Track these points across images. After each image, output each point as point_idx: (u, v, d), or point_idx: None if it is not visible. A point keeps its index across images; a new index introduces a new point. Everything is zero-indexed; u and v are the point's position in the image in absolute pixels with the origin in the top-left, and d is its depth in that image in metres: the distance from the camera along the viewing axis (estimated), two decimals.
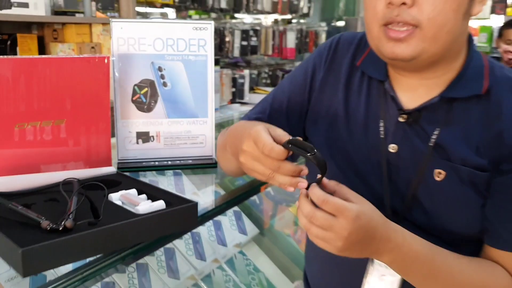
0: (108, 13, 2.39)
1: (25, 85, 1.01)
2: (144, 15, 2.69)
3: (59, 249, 0.74)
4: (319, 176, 0.72)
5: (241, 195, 1.22)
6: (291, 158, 0.74)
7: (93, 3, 2.33)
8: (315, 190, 0.71)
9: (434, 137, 0.84)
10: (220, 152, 1.02)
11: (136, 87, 1.22)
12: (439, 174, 0.84)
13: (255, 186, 1.26)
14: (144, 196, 0.95)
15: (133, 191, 0.96)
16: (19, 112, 1.02)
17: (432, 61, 0.80)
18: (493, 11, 4.19)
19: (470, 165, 0.82)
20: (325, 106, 0.96)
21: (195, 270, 1.36)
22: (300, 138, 0.71)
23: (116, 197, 0.93)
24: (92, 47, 2.38)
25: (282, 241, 1.71)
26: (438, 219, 0.86)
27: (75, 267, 0.81)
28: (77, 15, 2.30)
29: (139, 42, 1.21)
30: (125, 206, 0.90)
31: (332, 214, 0.69)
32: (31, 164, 1.05)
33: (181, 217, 0.89)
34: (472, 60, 0.85)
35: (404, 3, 0.75)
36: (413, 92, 0.86)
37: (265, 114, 1.01)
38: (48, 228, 0.77)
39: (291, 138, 0.72)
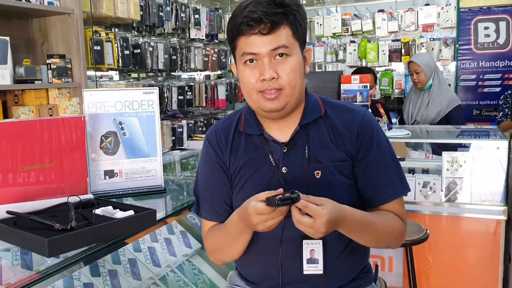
0: (63, 79, 2.80)
1: (25, 140, 1.43)
2: (93, 78, 3.11)
3: (69, 240, 1.16)
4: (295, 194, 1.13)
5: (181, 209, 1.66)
6: None
7: (50, 71, 2.75)
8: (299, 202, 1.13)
9: (306, 151, 1.32)
10: (213, 254, 1.44)
11: (103, 137, 1.67)
12: (317, 174, 1.31)
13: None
14: (117, 210, 1.38)
15: (110, 207, 1.39)
16: (21, 159, 1.43)
17: (292, 109, 1.30)
18: (391, 59, 4.99)
19: (334, 160, 1.30)
20: (239, 162, 1.36)
21: (153, 273, 1.77)
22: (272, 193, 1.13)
23: (99, 211, 1.35)
24: (50, 108, 2.78)
25: None
26: None
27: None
28: (36, 82, 2.70)
29: (104, 104, 1.66)
30: (106, 215, 1.33)
31: (312, 217, 1.13)
32: (30, 195, 1.45)
33: (145, 219, 1.34)
34: (309, 99, 1.35)
35: (273, 78, 1.25)
36: (282, 131, 1.33)
37: (211, 203, 1.38)
38: (60, 228, 1.19)
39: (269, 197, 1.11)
